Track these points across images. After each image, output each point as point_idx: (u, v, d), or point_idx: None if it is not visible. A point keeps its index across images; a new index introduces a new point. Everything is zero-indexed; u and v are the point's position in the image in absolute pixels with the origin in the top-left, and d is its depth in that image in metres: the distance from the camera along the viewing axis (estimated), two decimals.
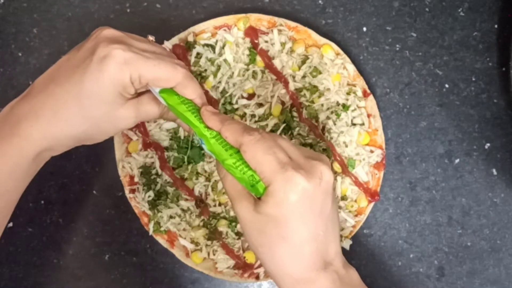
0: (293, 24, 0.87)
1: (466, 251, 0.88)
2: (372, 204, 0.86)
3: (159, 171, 0.85)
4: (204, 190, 0.86)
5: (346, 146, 0.86)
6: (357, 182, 0.86)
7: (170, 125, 0.86)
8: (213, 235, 0.85)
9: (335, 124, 0.85)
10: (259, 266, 0.85)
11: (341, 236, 0.85)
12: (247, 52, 0.87)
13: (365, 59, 0.91)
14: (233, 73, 0.86)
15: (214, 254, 0.85)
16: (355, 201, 0.86)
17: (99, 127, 0.64)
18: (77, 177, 0.89)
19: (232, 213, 0.86)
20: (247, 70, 0.87)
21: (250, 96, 0.87)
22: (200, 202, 0.86)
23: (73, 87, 0.61)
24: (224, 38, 0.86)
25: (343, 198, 0.86)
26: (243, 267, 0.85)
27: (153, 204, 0.85)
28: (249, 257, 0.85)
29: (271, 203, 0.58)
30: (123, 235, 0.89)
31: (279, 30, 0.87)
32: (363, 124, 0.86)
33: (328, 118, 0.86)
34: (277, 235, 0.59)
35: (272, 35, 0.87)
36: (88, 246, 0.89)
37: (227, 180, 0.63)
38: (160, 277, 0.88)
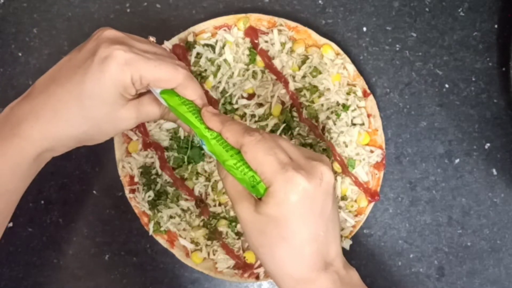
0: (293, 24, 0.87)
1: (466, 251, 0.88)
2: (372, 204, 0.86)
3: (159, 171, 0.85)
4: (204, 190, 0.86)
5: (346, 146, 0.86)
6: (357, 182, 0.86)
7: (170, 125, 0.86)
8: (213, 235, 0.85)
9: (335, 124, 0.86)
10: (259, 266, 0.85)
11: (341, 236, 0.85)
12: (247, 52, 0.87)
13: (365, 59, 0.91)
14: (233, 73, 0.86)
15: (214, 254, 0.86)
16: (355, 201, 0.86)
17: (99, 127, 0.64)
18: (77, 177, 0.89)
19: (232, 213, 0.86)
20: (247, 70, 0.87)
21: (250, 96, 0.87)
22: (200, 202, 0.86)
23: (74, 87, 0.61)
24: (224, 38, 0.86)
25: (343, 198, 0.86)
26: (243, 267, 0.85)
27: (153, 204, 0.85)
28: (249, 257, 0.85)
29: (271, 204, 0.58)
30: (123, 235, 0.89)
31: (279, 30, 0.87)
32: (363, 124, 0.86)
33: (328, 118, 0.86)
34: (278, 236, 0.59)
35: (272, 35, 0.87)
36: (88, 246, 0.89)
37: (227, 181, 0.63)
38: (160, 277, 0.88)
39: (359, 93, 0.86)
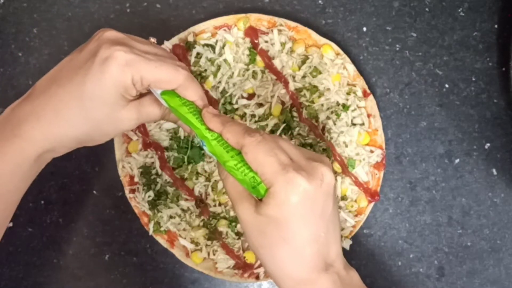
0: (293, 24, 0.87)
1: (466, 251, 0.88)
2: (372, 204, 0.86)
3: (159, 171, 0.85)
4: (204, 190, 0.86)
5: (346, 146, 0.86)
6: (357, 182, 0.86)
7: (170, 125, 0.86)
8: (213, 235, 0.85)
9: (335, 124, 0.86)
10: (259, 266, 0.85)
11: (341, 236, 0.85)
12: (247, 52, 0.87)
13: (365, 59, 0.91)
14: (233, 73, 0.86)
15: (214, 254, 0.86)
16: (355, 201, 0.86)
17: (100, 128, 0.64)
18: (77, 177, 0.89)
19: (232, 213, 0.86)
20: (247, 70, 0.87)
21: (250, 96, 0.87)
22: (200, 202, 0.86)
23: (75, 88, 0.61)
24: (224, 38, 0.86)
25: (343, 198, 0.86)
26: (243, 267, 0.85)
27: (153, 204, 0.85)
28: (249, 257, 0.85)
29: (272, 205, 0.58)
30: (123, 235, 0.89)
31: (279, 30, 0.87)
32: (363, 124, 0.86)
33: (328, 118, 0.86)
34: (278, 237, 0.59)
35: (272, 35, 0.86)
36: (88, 246, 0.89)
37: (228, 182, 0.63)
38: (160, 277, 0.88)
39: (359, 93, 0.86)
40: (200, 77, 0.86)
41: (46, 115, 0.62)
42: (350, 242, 0.86)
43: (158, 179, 0.85)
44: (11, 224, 0.87)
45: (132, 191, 0.86)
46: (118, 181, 0.86)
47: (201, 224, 0.86)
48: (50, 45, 0.90)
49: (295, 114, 0.86)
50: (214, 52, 0.86)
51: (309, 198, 0.58)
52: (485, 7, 0.91)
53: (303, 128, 0.86)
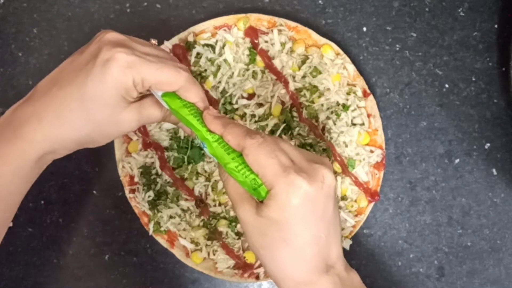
0: (293, 24, 0.87)
1: (466, 251, 0.88)
2: (372, 204, 0.86)
3: (159, 171, 0.85)
4: (204, 190, 0.86)
5: (346, 146, 0.86)
6: (357, 182, 0.86)
7: (170, 125, 0.86)
8: (213, 235, 0.85)
9: (335, 124, 0.86)
10: (259, 266, 0.85)
11: (341, 236, 0.85)
12: (247, 52, 0.87)
13: (365, 59, 0.91)
14: (233, 73, 0.86)
15: (214, 254, 0.86)
16: (355, 201, 0.86)
17: (101, 130, 0.64)
18: (77, 177, 0.89)
19: (232, 213, 0.86)
20: (247, 70, 0.87)
21: (250, 96, 0.86)
22: (200, 202, 0.86)
23: (76, 90, 0.61)
24: (224, 38, 0.86)
25: (343, 198, 0.86)
26: (243, 267, 0.85)
27: (153, 204, 0.85)
28: (249, 257, 0.85)
29: (273, 207, 0.58)
30: (123, 235, 0.89)
31: (279, 30, 0.87)
32: (363, 124, 0.86)
33: (328, 118, 0.86)
34: (279, 238, 0.59)
35: (272, 35, 0.86)
36: (88, 246, 0.89)
37: (229, 184, 0.63)
38: (160, 277, 0.88)
39: (359, 93, 0.86)
40: (200, 77, 0.86)
41: (48, 116, 0.62)
42: (350, 242, 0.86)
43: (158, 179, 0.85)
44: (11, 224, 0.87)
45: (132, 191, 0.86)
46: (118, 181, 0.86)
47: (201, 224, 0.86)
48: (50, 45, 0.90)
49: (295, 114, 0.86)
50: (214, 52, 0.86)
51: (310, 200, 0.58)
52: (485, 7, 0.91)
53: (303, 128, 0.86)
